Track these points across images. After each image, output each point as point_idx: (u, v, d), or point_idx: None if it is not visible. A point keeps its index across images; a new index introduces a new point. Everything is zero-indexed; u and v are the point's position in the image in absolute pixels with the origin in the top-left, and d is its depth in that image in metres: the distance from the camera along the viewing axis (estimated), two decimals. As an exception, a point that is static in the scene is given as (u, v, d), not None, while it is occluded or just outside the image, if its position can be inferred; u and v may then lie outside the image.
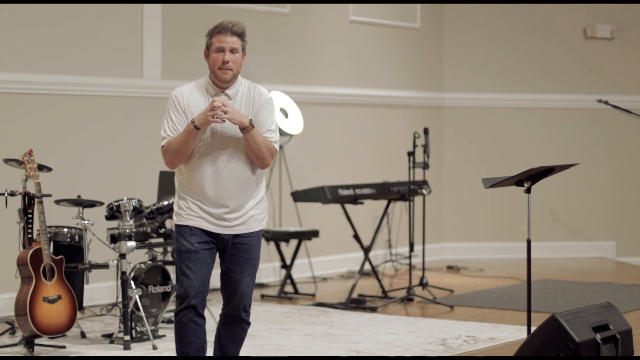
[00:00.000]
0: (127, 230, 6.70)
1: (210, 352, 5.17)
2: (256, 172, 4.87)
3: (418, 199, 10.08)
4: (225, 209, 4.81)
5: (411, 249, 8.53)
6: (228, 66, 4.76)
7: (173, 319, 4.94)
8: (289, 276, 8.81)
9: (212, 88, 4.84)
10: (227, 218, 4.82)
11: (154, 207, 6.96)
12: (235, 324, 4.91)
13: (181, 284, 4.81)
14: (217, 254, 4.92)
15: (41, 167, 6.60)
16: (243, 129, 4.74)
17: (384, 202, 9.22)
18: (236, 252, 4.86)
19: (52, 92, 7.94)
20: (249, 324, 4.94)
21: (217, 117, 4.68)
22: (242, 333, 4.95)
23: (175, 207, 4.91)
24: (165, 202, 6.98)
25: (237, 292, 4.86)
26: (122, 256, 6.58)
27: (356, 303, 8.13)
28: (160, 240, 7.14)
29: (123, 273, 6.56)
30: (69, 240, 6.90)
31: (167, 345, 6.58)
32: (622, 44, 11.49)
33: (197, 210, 4.82)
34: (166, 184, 7.69)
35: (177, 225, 4.87)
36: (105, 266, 6.86)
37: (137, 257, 7.58)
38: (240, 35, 4.82)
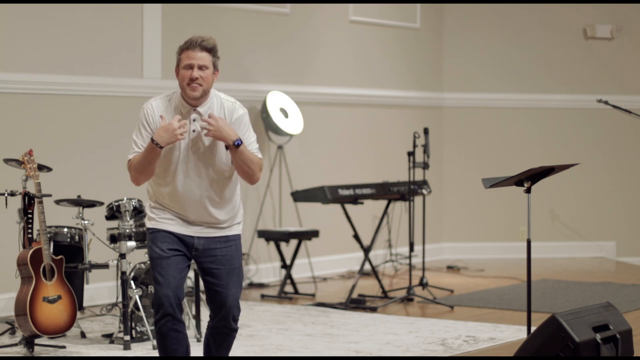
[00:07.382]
0: (127, 230, 6.70)
1: (200, 352, 5.15)
2: (231, 181, 4.75)
3: (418, 199, 10.07)
4: (198, 218, 4.72)
5: (411, 249, 8.52)
6: (197, 82, 4.61)
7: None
8: (289, 276, 8.81)
9: (183, 106, 4.68)
10: (202, 225, 4.73)
11: (154, 207, 6.97)
12: (225, 334, 4.83)
13: (155, 292, 4.69)
14: (196, 265, 4.83)
15: (41, 167, 6.60)
16: (227, 147, 4.56)
17: (384, 202, 9.21)
18: (217, 265, 4.75)
19: (52, 92, 7.94)
20: (237, 329, 4.85)
21: (202, 132, 4.51)
22: (232, 340, 4.87)
23: (147, 212, 4.80)
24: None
25: (225, 304, 4.74)
26: (122, 256, 6.58)
27: (356, 303, 8.13)
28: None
29: (123, 273, 6.56)
30: (69, 240, 6.90)
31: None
32: (622, 44, 11.49)
33: (169, 215, 4.73)
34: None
35: (149, 231, 4.77)
36: (105, 266, 6.86)
37: (137, 257, 7.58)
38: (211, 50, 4.66)
